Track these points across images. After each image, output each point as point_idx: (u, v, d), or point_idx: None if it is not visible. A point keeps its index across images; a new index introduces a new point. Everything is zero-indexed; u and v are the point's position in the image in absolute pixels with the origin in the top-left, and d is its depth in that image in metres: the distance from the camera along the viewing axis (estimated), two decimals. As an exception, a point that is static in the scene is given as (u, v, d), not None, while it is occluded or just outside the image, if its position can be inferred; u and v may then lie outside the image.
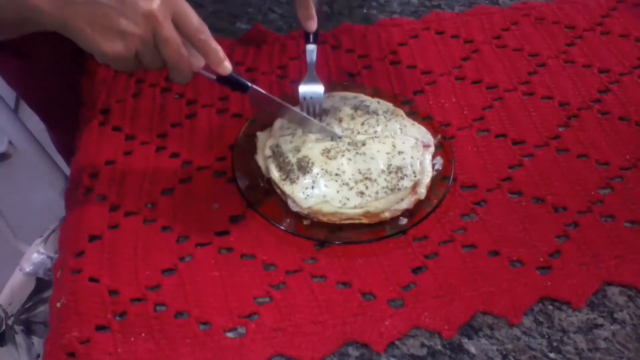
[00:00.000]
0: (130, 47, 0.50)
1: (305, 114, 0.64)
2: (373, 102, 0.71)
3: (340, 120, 0.68)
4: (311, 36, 0.66)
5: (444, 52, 0.83)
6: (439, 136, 0.70)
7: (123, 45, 0.50)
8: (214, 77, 0.56)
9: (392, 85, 0.78)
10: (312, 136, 0.66)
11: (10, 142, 1.75)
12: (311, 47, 0.66)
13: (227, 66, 0.55)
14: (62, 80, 0.78)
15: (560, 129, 0.73)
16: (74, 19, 0.49)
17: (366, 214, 0.62)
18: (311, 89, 0.66)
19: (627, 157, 0.70)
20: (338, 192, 0.62)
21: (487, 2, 0.92)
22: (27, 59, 0.85)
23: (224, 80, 0.56)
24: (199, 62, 0.55)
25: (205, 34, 0.53)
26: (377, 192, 0.62)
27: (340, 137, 0.65)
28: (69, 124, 0.77)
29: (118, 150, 0.71)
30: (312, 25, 0.64)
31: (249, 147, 0.69)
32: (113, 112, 0.75)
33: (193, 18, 0.52)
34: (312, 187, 0.62)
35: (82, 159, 0.70)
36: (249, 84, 0.59)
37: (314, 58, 0.66)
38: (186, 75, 0.55)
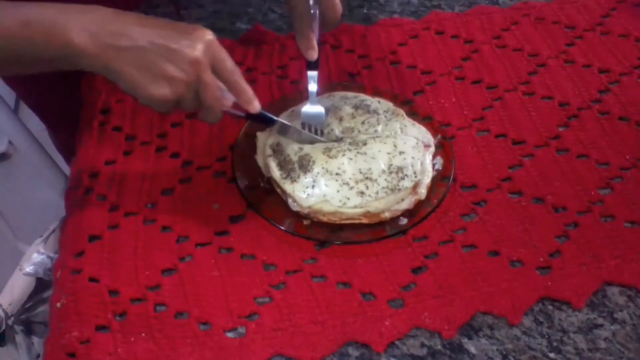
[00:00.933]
0: (177, 92, 0.53)
1: (324, 139, 0.67)
2: (374, 102, 0.71)
3: (340, 119, 0.69)
4: (312, 63, 0.67)
5: (444, 52, 0.83)
6: (439, 136, 0.70)
7: (170, 90, 0.53)
8: (243, 114, 0.59)
9: (392, 85, 0.78)
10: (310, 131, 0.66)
11: (10, 142, 1.75)
12: (312, 74, 0.67)
13: (256, 105, 0.58)
14: (61, 80, 0.78)
15: (560, 129, 0.73)
16: (118, 63, 0.51)
17: (366, 214, 0.62)
18: (313, 113, 0.67)
19: (627, 157, 0.70)
20: (338, 191, 0.62)
21: (487, 2, 0.92)
22: None
23: (253, 117, 0.60)
24: (229, 101, 0.57)
25: (238, 76, 0.56)
26: (377, 192, 0.62)
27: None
28: (69, 124, 0.77)
29: (118, 150, 0.71)
30: (313, 54, 0.66)
31: (249, 147, 0.69)
32: (113, 112, 0.75)
33: (229, 62, 0.55)
34: (313, 187, 0.62)
35: (82, 159, 0.70)
36: (275, 118, 0.63)
37: (315, 84, 0.67)
38: (218, 116, 0.57)
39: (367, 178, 0.62)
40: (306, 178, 0.62)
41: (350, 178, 0.62)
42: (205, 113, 0.57)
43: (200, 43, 0.53)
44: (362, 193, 0.62)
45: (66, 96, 0.81)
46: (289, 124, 0.65)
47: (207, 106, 0.56)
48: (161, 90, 0.53)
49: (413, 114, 0.72)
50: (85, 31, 0.50)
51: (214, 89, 0.55)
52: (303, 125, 0.67)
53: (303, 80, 0.69)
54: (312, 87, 0.67)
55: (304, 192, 0.62)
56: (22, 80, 0.93)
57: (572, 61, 0.82)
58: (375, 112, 0.69)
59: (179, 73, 0.52)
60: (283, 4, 0.91)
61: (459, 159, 0.69)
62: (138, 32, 0.52)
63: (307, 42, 0.65)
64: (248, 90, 0.57)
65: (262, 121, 0.63)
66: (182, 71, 0.52)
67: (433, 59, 0.82)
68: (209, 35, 0.54)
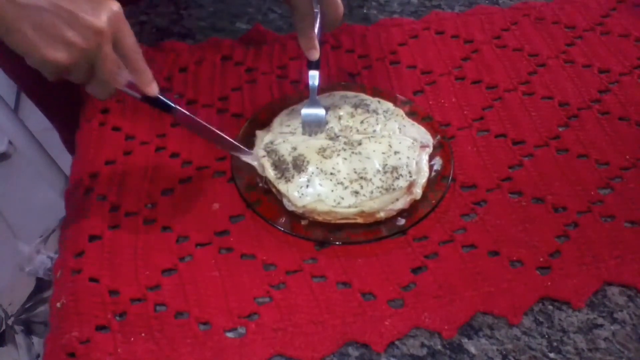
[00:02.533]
0: (72, 59, 0.51)
1: (232, 140, 0.65)
2: (373, 102, 0.71)
3: (339, 118, 0.69)
4: (313, 63, 0.67)
5: (444, 52, 0.83)
6: (439, 136, 0.70)
7: (65, 55, 0.50)
8: (139, 96, 0.57)
9: (392, 85, 0.78)
10: (310, 135, 0.66)
11: (10, 142, 1.75)
12: (313, 74, 0.67)
13: (155, 88, 0.56)
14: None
15: (560, 129, 0.73)
16: (14, 19, 0.49)
17: (361, 214, 0.62)
18: (313, 114, 0.67)
19: (627, 157, 0.70)
20: (333, 191, 0.62)
21: (487, 2, 0.92)
22: None
23: (148, 100, 0.57)
24: (124, 79, 0.55)
25: (139, 54, 0.55)
26: (371, 192, 0.62)
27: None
28: (73, 120, 0.77)
29: (118, 150, 0.71)
30: (315, 54, 0.66)
31: (249, 146, 0.69)
32: (113, 112, 0.75)
33: (131, 39, 0.54)
34: (307, 186, 0.62)
35: (82, 159, 0.70)
36: (173, 105, 0.60)
37: (316, 84, 0.67)
38: (109, 92, 0.55)
39: (361, 178, 0.62)
40: (300, 178, 0.62)
41: (344, 178, 0.62)
42: (96, 87, 0.54)
43: (106, 13, 0.51)
44: (356, 193, 0.62)
45: (68, 92, 0.81)
46: (186, 112, 0.61)
47: (101, 80, 0.53)
48: (56, 55, 0.50)
49: (413, 114, 0.72)
50: None
51: (111, 63, 0.52)
52: (303, 125, 0.67)
53: (303, 80, 0.69)
54: (313, 87, 0.67)
55: (298, 191, 0.62)
56: (23, 72, 0.93)
57: (572, 61, 0.82)
58: (375, 111, 0.70)
59: (79, 40, 0.50)
60: (283, 4, 0.91)
61: (459, 159, 0.69)
62: None
63: (309, 41, 0.65)
64: (147, 71, 0.55)
65: (159, 107, 0.59)
66: (83, 39, 0.50)
67: (433, 59, 0.82)
68: (116, 7, 0.52)
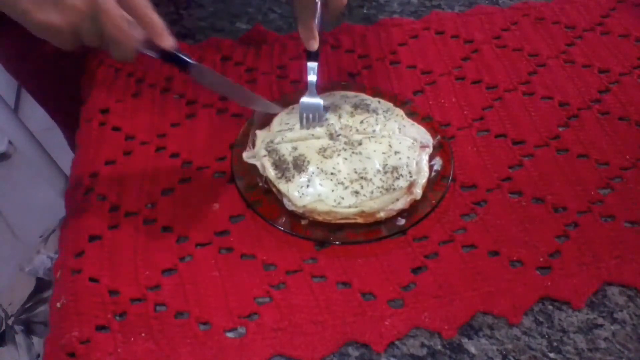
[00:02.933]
0: (68, 21, 0.48)
1: (250, 92, 0.64)
2: (374, 101, 0.71)
3: (339, 117, 0.69)
4: (312, 54, 0.67)
5: (444, 52, 0.83)
6: (439, 136, 0.70)
7: (59, 17, 0.48)
8: (158, 54, 0.55)
9: (392, 85, 0.78)
10: (310, 135, 0.66)
11: (10, 142, 1.75)
12: (312, 65, 0.67)
13: (169, 40, 0.53)
14: (62, 72, 0.78)
15: (560, 129, 0.73)
16: None
17: (361, 214, 0.62)
18: (311, 103, 0.67)
19: (627, 157, 0.70)
20: (333, 191, 0.62)
21: (487, 2, 0.92)
22: (27, 45, 0.84)
23: (168, 57, 0.55)
24: (139, 35, 0.53)
25: (147, 6, 0.52)
26: (372, 192, 0.62)
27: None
28: (76, 118, 0.76)
29: (118, 150, 0.71)
30: (314, 44, 0.65)
31: (249, 146, 0.69)
32: (113, 112, 0.75)
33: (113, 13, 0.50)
34: (307, 186, 0.62)
35: (82, 159, 0.70)
36: (191, 61, 0.57)
37: (315, 75, 0.67)
38: (129, 52, 0.52)
39: (362, 178, 0.62)
40: (301, 178, 0.62)
41: (345, 178, 0.62)
42: (114, 49, 0.52)
43: None
44: (356, 193, 0.62)
45: (72, 91, 0.81)
46: (205, 67, 0.59)
47: (112, 40, 0.50)
48: (50, 17, 0.48)
49: (413, 114, 0.72)
50: None
51: (116, 19, 0.49)
52: (301, 116, 0.67)
53: (303, 79, 0.69)
54: (312, 77, 0.67)
55: (298, 191, 0.62)
56: (27, 73, 0.93)
57: (572, 61, 0.82)
58: (375, 111, 0.70)
59: (76, 3, 0.47)
60: (283, 4, 0.91)
61: (459, 159, 0.69)
62: None
63: (309, 32, 0.65)
64: (159, 23, 0.52)
65: (178, 64, 0.57)
66: (80, 1, 0.47)
67: (433, 59, 0.82)
68: None
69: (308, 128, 0.67)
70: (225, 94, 0.64)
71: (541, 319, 0.57)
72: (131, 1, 0.51)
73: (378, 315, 0.56)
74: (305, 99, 0.68)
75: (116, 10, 0.49)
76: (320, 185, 0.62)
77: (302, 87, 0.76)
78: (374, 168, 0.63)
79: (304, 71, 0.69)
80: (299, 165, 0.63)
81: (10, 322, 0.86)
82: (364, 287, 0.58)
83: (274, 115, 0.71)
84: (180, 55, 0.56)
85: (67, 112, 0.81)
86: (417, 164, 0.65)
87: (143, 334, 0.55)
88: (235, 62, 0.81)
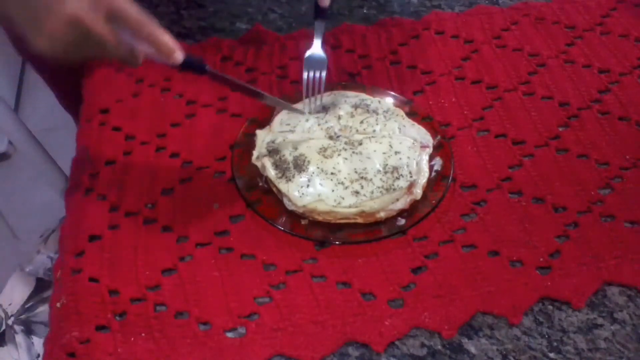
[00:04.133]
0: (61, 48, 0.50)
1: (260, 91, 0.64)
2: (374, 101, 0.71)
3: (339, 117, 0.69)
4: (321, 11, 0.67)
5: (444, 52, 0.83)
6: (439, 136, 0.70)
7: (51, 45, 0.49)
8: (171, 66, 0.55)
9: (392, 85, 0.78)
10: (310, 135, 0.66)
11: (10, 142, 1.75)
12: (319, 23, 0.67)
13: (177, 57, 0.53)
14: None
15: (560, 129, 0.73)
16: (5, 9, 0.48)
17: (361, 214, 0.62)
18: (316, 58, 0.68)
19: (627, 157, 0.70)
20: (333, 191, 0.62)
21: (487, 2, 0.92)
22: None
23: (182, 68, 0.55)
24: (148, 49, 0.53)
25: (149, 27, 0.51)
26: (372, 192, 0.62)
27: (306, 118, 0.67)
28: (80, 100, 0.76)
29: (118, 150, 0.71)
30: (325, 0, 0.65)
31: (249, 146, 0.69)
32: (113, 112, 0.75)
33: (131, 12, 0.50)
34: (308, 186, 0.62)
35: (82, 158, 0.70)
36: (205, 67, 0.57)
37: (322, 32, 0.67)
38: (136, 63, 0.53)
39: (362, 178, 0.62)
40: (301, 177, 0.62)
41: (345, 178, 0.62)
42: (121, 60, 0.53)
43: None
44: (357, 193, 0.62)
45: (80, 73, 0.81)
46: (217, 72, 0.60)
47: (119, 57, 0.51)
48: (45, 44, 0.49)
49: (413, 114, 0.72)
50: None
51: (109, 43, 0.50)
52: (306, 71, 0.67)
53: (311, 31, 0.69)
54: (318, 35, 0.67)
55: (298, 191, 0.62)
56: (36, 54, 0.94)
57: (572, 61, 0.82)
58: (375, 111, 0.70)
59: (56, 31, 0.48)
60: (283, 4, 0.91)
61: (459, 159, 0.69)
62: None
63: None
64: (166, 41, 0.52)
65: (194, 71, 0.57)
66: (61, 28, 0.48)
67: (433, 59, 0.82)
68: None
69: (308, 96, 0.67)
70: (238, 91, 0.66)
71: (541, 319, 0.57)
72: (131, 24, 0.51)
73: (378, 315, 0.56)
74: (310, 53, 0.68)
75: (105, 37, 0.50)
76: (321, 185, 0.62)
77: (302, 87, 0.76)
78: (375, 168, 0.63)
79: (302, 75, 0.68)
80: (300, 165, 0.63)
81: (10, 322, 0.86)
82: (364, 287, 0.58)
83: (274, 115, 0.71)
84: (194, 62, 0.56)
85: (74, 94, 0.81)
86: (417, 164, 0.65)
87: (143, 334, 0.55)
88: (235, 62, 0.81)
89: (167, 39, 0.52)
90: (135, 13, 0.51)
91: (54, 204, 0.85)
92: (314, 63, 0.67)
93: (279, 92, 0.77)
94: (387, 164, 0.64)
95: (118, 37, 0.51)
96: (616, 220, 0.64)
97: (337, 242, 0.61)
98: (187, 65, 0.55)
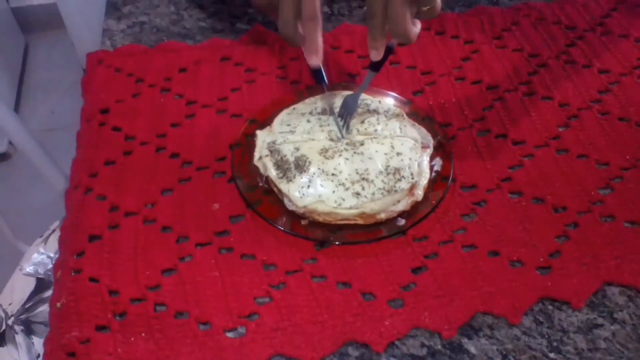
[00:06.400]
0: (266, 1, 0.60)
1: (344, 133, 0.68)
2: (374, 102, 0.71)
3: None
4: (374, 64, 0.67)
5: (444, 53, 0.83)
6: (439, 136, 0.70)
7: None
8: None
9: (392, 86, 0.78)
10: (311, 135, 0.66)
11: (10, 142, 1.76)
12: (371, 74, 0.68)
13: (315, 60, 0.60)
14: None
15: (560, 129, 0.73)
16: None
17: (362, 215, 0.62)
18: (352, 98, 0.69)
19: (627, 157, 0.70)
20: (334, 192, 0.62)
21: (487, 2, 0.92)
22: None
23: (313, 71, 0.64)
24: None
25: (312, 22, 0.58)
26: (373, 194, 0.62)
27: (341, 138, 0.66)
28: None
29: (118, 150, 0.71)
30: (375, 55, 0.65)
31: (249, 146, 0.69)
32: (113, 112, 0.75)
33: (309, 6, 0.57)
34: (308, 187, 0.62)
35: (82, 158, 0.70)
36: (325, 82, 0.68)
37: (368, 83, 0.69)
38: (293, 44, 0.60)
39: (363, 179, 0.62)
40: (302, 178, 0.62)
41: (346, 179, 0.62)
42: (285, 37, 0.60)
43: None
44: (357, 194, 0.62)
45: None
46: (332, 92, 0.68)
47: (282, 32, 0.58)
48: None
49: (413, 114, 0.72)
50: None
51: (287, 17, 0.57)
52: (340, 110, 0.69)
53: (304, 80, 0.69)
54: (365, 84, 0.69)
55: (299, 192, 0.62)
56: None
57: (572, 61, 0.82)
58: (376, 111, 0.69)
59: None
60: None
61: (459, 159, 0.69)
62: None
63: (376, 43, 0.65)
64: (314, 40, 0.58)
65: (317, 79, 0.67)
66: None
67: (433, 59, 0.82)
68: None
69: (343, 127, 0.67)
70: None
71: (541, 319, 0.57)
72: (304, 12, 0.57)
73: (378, 315, 0.56)
74: (350, 97, 0.69)
75: (288, 10, 0.57)
76: (321, 186, 0.62)
77: (302, 87, 0.76)
78: (376, 169, 0.63)
79: (304, 76, 0.70)
80: (301, 165, 0.63)
81: (10, 322, 0.86)
82: (364, 287, 0.58)
83: (274, 115, 0.71)
84: (322, 74, 0.67)
85: None
86: (419, 165, 0.65)
87: (143, 334, 0.55)
88: (235, 62, 0.81)
89: (316, 41, 0.58)
90: (313, 8, 0.57)
91: (54, 204, 0.85)
92: (349, 107, 0.68)
93: (279, 92, 0.77)
94: (389, 165, 0.63)
95: (293, 13, 0.57)
96: (616, 221, 0.64)
97: (337, 242, 0.61)
98: (317, 74, 0.66)
